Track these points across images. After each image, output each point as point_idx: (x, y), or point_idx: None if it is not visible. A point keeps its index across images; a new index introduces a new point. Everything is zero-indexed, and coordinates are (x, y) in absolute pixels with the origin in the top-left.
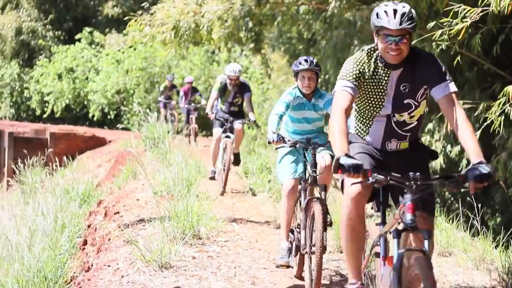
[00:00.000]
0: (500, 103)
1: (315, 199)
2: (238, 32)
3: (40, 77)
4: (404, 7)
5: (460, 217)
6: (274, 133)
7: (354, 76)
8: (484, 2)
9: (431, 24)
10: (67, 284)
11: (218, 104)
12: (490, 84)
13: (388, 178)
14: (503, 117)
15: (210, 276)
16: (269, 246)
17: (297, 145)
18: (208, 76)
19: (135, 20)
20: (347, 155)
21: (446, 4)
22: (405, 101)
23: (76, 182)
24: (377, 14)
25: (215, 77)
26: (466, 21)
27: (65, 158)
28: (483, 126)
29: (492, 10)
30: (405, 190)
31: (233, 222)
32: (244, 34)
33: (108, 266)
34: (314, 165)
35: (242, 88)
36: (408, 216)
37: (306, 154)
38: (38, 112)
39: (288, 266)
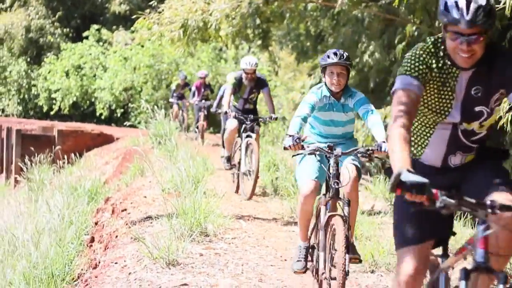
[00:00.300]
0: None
1: (336, 216)
2: (245, 29)
3: (47, 74)
4: None
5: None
6: (291, 136)
7: (420, 72)
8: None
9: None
10: (74, 281)
11: (232, 101)
12: None
13: (459, 203)
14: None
15: (217, 273)
16: (276, 243)
17: (317, 153)
18: (216, 73)
19: (144, 18)
20: (409, 171)
21: None
22: (477, 108)
23: (84, 179)
24: (445, 5)
25: (223, 74)
26: None
27: (72, 155)
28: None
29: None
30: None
31: (241, 219)
32: (251, 31)
33: (116, 263)
34: (337, 176)
35: (259, 83)
36: (481, 253)
37: (329, 164)
38: (45, 109)
39: (305, 271)
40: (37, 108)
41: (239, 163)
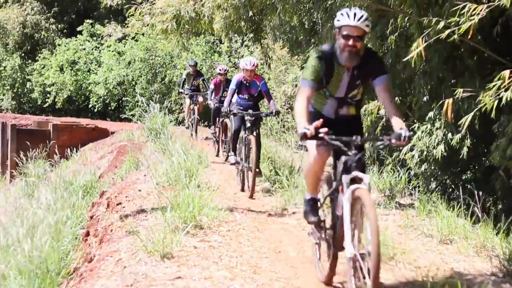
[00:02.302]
0: (495, 86)
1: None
2: (238, 21)
3: (42, 70)
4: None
5: (461, 204)
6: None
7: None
8: None
9: (441, 24)
10: (70, 275)
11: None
12: (491, 72)
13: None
14: (497, 101)
15: (211, 265)
16: (270, 236)
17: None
18: (210, 67)
19: (135, 9)
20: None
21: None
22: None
23: (79, 173)
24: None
25: (216, 67)
26: (473, 19)
27: (67, 150)
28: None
29: (502, 4)
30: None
31: (235, 212)
32: (244, 24)
33: (111, 257)
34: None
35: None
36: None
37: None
38: (39, 103)
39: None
40: (31, 103)
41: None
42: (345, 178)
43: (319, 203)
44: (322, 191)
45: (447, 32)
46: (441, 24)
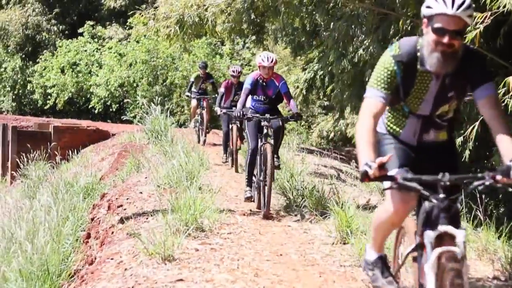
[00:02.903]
0: (500, 94)
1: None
2: (240, 25)
3: (43, 71)
4: None
5: (463, 207)
6: None
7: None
8: (493, 4)
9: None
10: (71, 277)
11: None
12: (493, 75)
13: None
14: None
15: (213, 268)
16: (272, 239)
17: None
18: (211, 69)
19: (140, 14)
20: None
21: None
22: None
23: (80, 175)
24: None
25: (218, 69)
26: (479, 28)
27: (68, 151)
28: (480, 118)
29: (508, 9)
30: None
31: (236, 215)
32: (246, 26)
33: (112, 259)
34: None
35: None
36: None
37: None
38: (40, 103)
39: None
40: (32, 105)
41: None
42: (429, 235)
43: (391, 263)
44: (403, 245)
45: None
46: None
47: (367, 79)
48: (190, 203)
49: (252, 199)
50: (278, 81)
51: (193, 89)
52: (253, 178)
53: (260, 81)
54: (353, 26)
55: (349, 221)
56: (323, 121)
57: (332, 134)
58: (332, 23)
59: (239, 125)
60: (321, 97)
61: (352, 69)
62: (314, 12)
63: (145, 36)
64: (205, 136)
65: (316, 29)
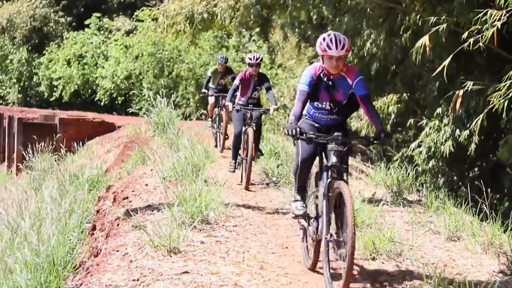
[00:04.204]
0: (505, 86)
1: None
2: (247, 18)
3: (49, 63)
4: None
5: (468, 201)
6: None
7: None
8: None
9: (464, 35)
10: (76, 269)
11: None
12: (500, 69)
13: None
14: (507, 101)
15: (218, 261)
16: (277, 231)
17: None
18: (216, 62)
19: (149, 9)
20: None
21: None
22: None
23: (85, 167)
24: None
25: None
26: (495, 25)
27: (74, 143)
28: (487, 109)
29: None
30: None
31: (242, 207)
32: (253, 19)
33: (117, 251)
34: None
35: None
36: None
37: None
38: (45, 95)
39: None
40: (38, 97)
41: None
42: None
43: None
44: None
45: (471, 40)
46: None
47: (373, 73)
48: (195, 196)
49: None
50: (352, 78)
51: (210, 84)
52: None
53: (324, 78)
54: (359, 20)
55: (354, 214)
56: None
57: None
58: (339, 17)
59: (255, 128)
60: None
61: (358, 62)
62: (321, 5)
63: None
64: (224, 140)
65: (323, 23)
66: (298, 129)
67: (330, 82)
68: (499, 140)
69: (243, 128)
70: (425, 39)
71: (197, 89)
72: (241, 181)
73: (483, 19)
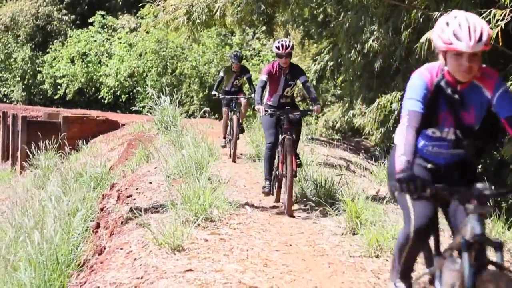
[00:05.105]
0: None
1: None
2: (251, 15)
3: (53, 61)
4: None
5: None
6: None
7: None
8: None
9: None
10: (80, 267)
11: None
12: (504, 66)
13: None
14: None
15: (222, 258)
16: (281, 229)
17: None
18: (221, 59)
19: (150, 6)
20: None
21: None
22: None
23: (89, 165)
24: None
25: (228, 60)
26: (499, 25)
27: (78, 141)
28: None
29: None
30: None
31: (246, 205)
32: (256, 17)
33: (121, 249)
34: None
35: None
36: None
37: None
38: (49, 93)
39: None
40: (42, 95)
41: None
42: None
43: None
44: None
45: None
46: None
47: (376, 70)
48: (199, 193)
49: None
50: (491, 88)
51: (224, 87)
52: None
53: (448, 89)
54: (363, 17)
55: (358, 212)
56: (329, 111)
57: (338, 124)
58: (342, 14)
59: (294, 137)
60: (329, 89)
61: (362, 60)
62: (324, 3)
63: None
64: (235, 148)
65: (326, 20)
66: (419, 182)
67: (456, 96)
68: (503, 137)
69: (279, 137)
70: (429, 35)
71: (200, 87)
72: (278, 201)
73: (487, 19)
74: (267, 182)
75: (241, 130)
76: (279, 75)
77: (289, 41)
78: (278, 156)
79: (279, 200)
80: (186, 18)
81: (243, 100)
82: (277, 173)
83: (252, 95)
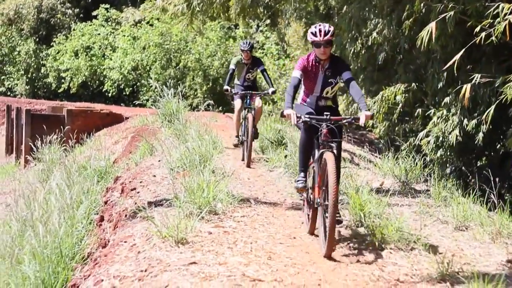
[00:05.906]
0: None
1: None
2: (255, 8)
3: (56, 55)
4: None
5: (476, 191)
6: None
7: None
8: None
9: (477, 29)
10: (84, 260)
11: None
12: (507, 58)
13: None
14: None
15: (226, 251)
16: (285, 221)
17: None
18: (224, 52)
19: None
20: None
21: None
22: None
23: (93, 159)
24: None
25: (232, 52)
26: (507, 19)
27: (82, 135)
28: (498, 100)
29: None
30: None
31: (250, 198)
32: (260, 9)
33: (125, 242)
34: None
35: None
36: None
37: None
38: (53, 87)
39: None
40: (46, 88)
41: None
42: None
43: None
44: None
45: (483, 34)
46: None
47: (380, 62)
48: (203, 186)
49: None
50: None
51: (235, 81)
52: None
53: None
54: (366, 9)
55: (362, 204)
56: None
57: None
58: (345, 6)
59: (336, 153)
60: None
61: (365, 52)
62: None
63: (158, 19)
64: (250, 151)
65: (330, 12)
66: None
67: None
68: (507, 129)
69: (317, 152)
70: (431, 26)
71: (204, 80)
72: (312, 233)
73: (495, 12)
74: (302, 175)
75: (255, 135)
76: (316, 70)
77: (329, 26)
78: (314, 171)
79: (313, 232)
80: (185, 5)
81: (257, 101)
82: (309, 199)
83: (269, 90)
